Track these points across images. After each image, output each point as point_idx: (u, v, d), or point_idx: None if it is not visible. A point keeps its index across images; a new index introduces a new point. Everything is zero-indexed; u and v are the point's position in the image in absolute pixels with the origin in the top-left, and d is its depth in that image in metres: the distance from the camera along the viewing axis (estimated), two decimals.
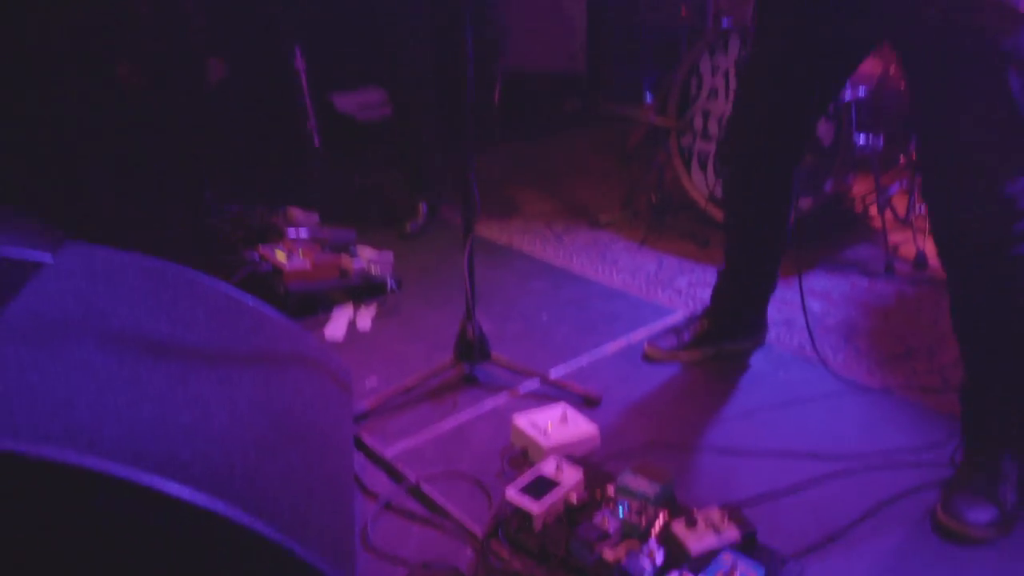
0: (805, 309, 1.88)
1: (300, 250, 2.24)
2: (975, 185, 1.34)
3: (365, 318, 2.20)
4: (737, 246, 1.87)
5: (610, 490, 1.39)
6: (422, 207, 2.85)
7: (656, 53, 4.30)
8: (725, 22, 2.57)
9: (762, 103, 1.65)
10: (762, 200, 1.76)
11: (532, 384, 1.86)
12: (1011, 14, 1.25)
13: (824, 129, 2.43)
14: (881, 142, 2.43)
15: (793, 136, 1.69)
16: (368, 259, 2.29)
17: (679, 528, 1.29)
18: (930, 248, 2.40)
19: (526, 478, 1.41)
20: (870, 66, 2.47)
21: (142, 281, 1.45)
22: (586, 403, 1.78)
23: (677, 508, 1.37)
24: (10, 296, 1.32)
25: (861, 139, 2.39)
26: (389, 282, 2.26)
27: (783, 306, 2.17)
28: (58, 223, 2.76)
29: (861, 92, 2.38)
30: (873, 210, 2.73)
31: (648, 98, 4.29)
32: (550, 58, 4.49)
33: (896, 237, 2.57)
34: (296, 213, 2.50)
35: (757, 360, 1.97)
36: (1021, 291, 1.38)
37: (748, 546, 1.28)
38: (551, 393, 1.83)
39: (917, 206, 2.58)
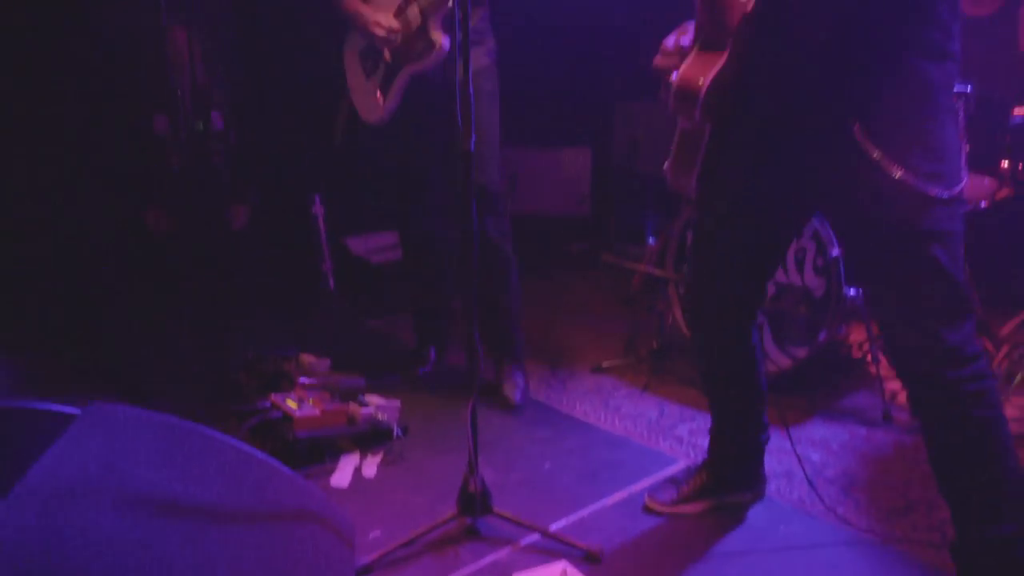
0: (802, 462, 1.92)
1: (310, 398, 2.31)
2: (922, 340, 1.47)
3: (371, 466, 2.24)
4: (716, 402, 1.94)
5: None
6: (430, 352, 2.93)
7: (657, 198, 4.53)
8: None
9: (711, 270, 1.76)
10: (727, 360, 1.85)
11: (533, 537, 1.88)
12: (923, 197, 1.41)
13: (815, 282, 2.54)
14: None
15: (744, 298, 1.79)
16: (376, 406, 2.35)
17: None
18: None
19: None
20: None
21: (159, 439, 1.51)
22: (587, 559, 1.79)
23: None
24: (39, 450, 1.39)
25: (851, 291, 2.49)
26: (395, 430, 2.32)
27: (783, 456, 2.20)
28: (83, 363, 2.87)
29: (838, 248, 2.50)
30: (870, 355, 2.79)
31: (650, 240, 4.48)
32: (556, 202, 4.73)
33: (893, 384, 2.62)
34: (308, 360, 2.59)
35: (757, 513, 1.98)
36: (978, 425, 1.48)
37: None
38: (552, 547, 1.84)
39: None
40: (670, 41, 1.65)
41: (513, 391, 2.60)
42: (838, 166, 1.47)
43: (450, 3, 2.30)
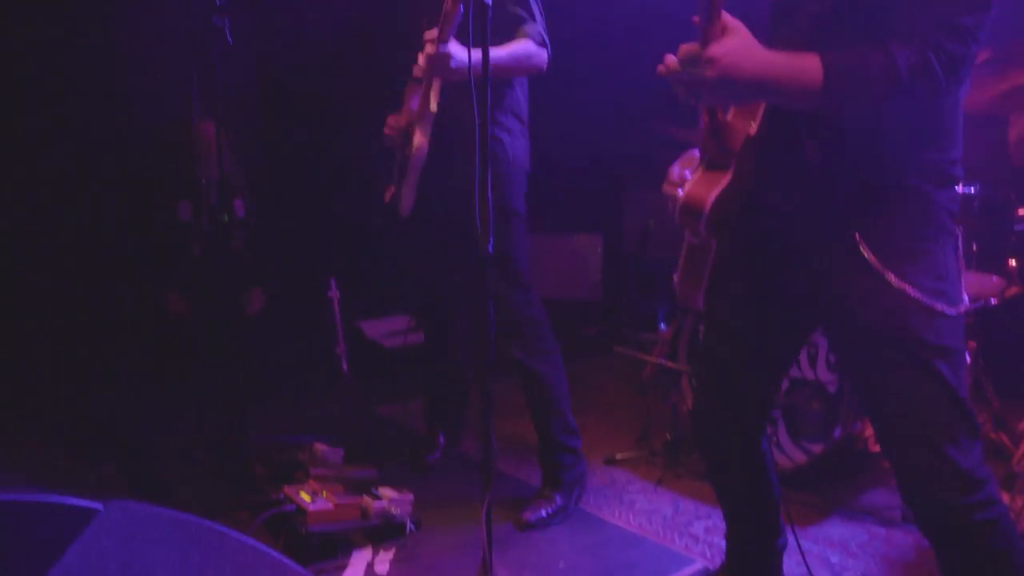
0: (811, 572, 1.88)
1: (324, 491, 2.30)
2: (930, 461, 1.42)
3: (383, 562, 2.21)
4: (728, 510, 1.91)
5: None
6: (440, 439, 2.93)
7: (667, 285, 4.57)
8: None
9: (717, 382, 1.75)
10: (736, 469, 1.82)
11: None
12: (929, 311, 1.41)
13: (828, 377, 2.55)
14: None
15: (749, 410, 1.76)
16: (389, 499, 2.34)
17: None
18: None
19: None
20: None
21: (177, 539, 1.52)
22: None
23: None
24: (62, 546, 1.39)
25: None
26: (408, 524, 2.30)
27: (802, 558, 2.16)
28: (97, 449, 2.87)
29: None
30: None
31: (662, 326, 4.50)
32: (568, 288, 4.78)
33: None
34: (321, 450, 2.59)
35: None
36: (993, 556, 1.43)
37: None
38: None
39: None
40: (675, 171, 1.71)
41: (531, 511, 2.45)
42: (843, 279, 1.47)
43: (432, 108, 2.33)
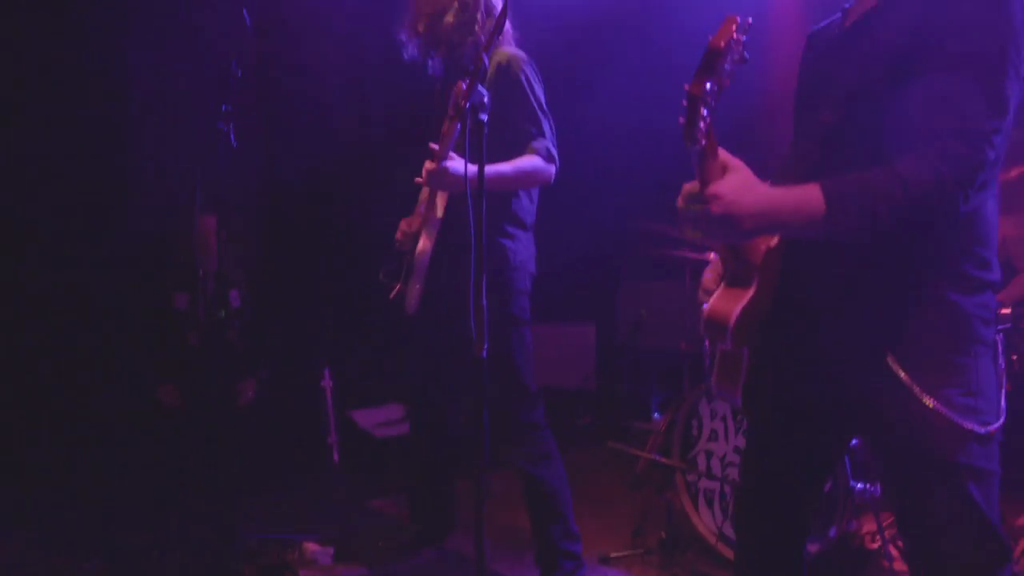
0: None
1: None
2: None
3: None
4: None
5: None
6: (428, 534, 2.88)
7: (660, 375, 4.59)
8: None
9: (759, 483, 1.69)
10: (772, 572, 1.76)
11: None
12: (958, 430, 1.35)
13: None
14: (879, 488, 2.52)
15: (796, 516, 1.68)
16: None
17: None
18: None
19: None
20: None
21: None
22: None
23: None
24: None
25: (859, 486, 2.49)
26: None
27: None
28: (85, 547, 2.81)
29: (853, 441, 2.53)
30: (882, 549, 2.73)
31: (655, 415, 4.49)
32: (561, 376, 4.78)
33: None
34: (311, 549, 2.55)
35: None
36: None
37: None
38: None
39: None
40: (708, 278, 1.69)
41: None
42: (872, 393, 1.42)
43: (439, 214, 2.40)
